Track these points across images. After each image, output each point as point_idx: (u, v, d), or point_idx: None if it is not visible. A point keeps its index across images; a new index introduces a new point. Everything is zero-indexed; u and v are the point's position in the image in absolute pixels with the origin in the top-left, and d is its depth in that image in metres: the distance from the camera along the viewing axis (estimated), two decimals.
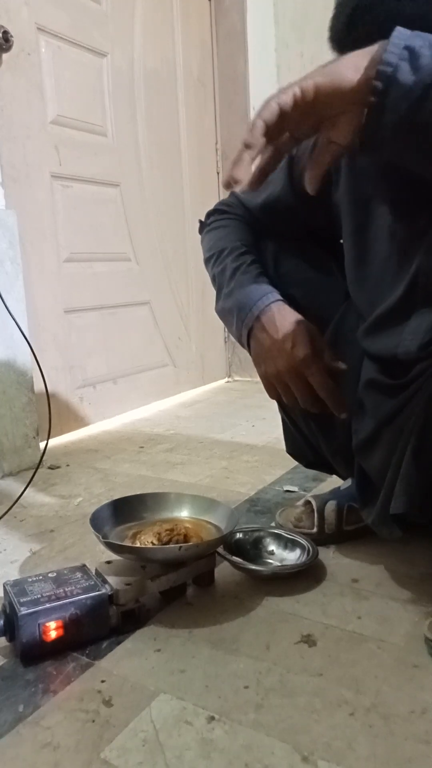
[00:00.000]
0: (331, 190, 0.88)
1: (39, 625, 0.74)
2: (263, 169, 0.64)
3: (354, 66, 0.56)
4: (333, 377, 0.85)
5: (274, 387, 0.89)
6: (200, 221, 1.06)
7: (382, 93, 0.55)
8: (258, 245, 0.98)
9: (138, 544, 0.87)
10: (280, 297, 0.89)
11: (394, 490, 0.79)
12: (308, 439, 1.04)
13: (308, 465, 1.12)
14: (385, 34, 0.55)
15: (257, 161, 0.61)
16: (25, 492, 1.27)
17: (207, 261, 1.01)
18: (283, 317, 0.87)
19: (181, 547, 0.83)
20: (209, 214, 1.05)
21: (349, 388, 0.90)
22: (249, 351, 0.92)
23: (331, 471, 1.10)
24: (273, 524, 1.08)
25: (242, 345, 0.93)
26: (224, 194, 2.50)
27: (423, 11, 0.60)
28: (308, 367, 0.84)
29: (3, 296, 1.39)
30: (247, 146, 0.59)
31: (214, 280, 0.98)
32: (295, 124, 0.60)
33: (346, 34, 0.65)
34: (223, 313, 0.96)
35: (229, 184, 0.60)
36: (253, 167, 0.61)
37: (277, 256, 0.97)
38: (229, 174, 0.59)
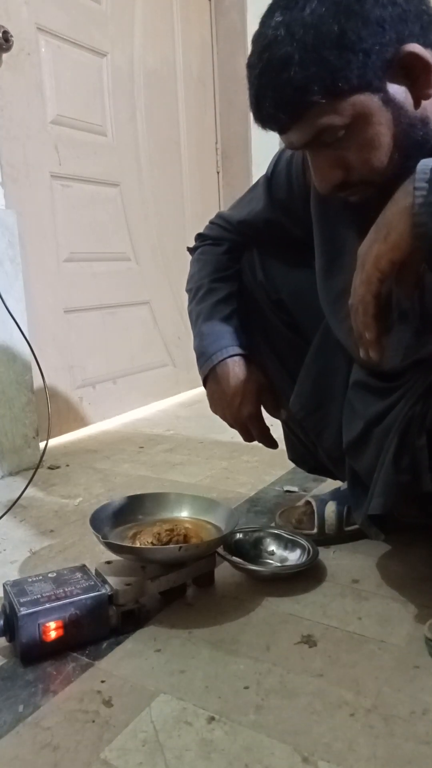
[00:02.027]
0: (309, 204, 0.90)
1: (39, 625, 0.74)
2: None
3: (396, 229, 0.63)
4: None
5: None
6: (188, 248, 1.12)
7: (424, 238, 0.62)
8: (245, 255, 1.03)
9: (138, 545, 0.87)
10: (235, 352, 0.98)
11: None
12: (308, 445, 1.05)
13: (310, 470, 1.14)
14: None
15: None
16: (25, 492, 1.27)
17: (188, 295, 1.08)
18: (236, 374, 0.97)
19: (181, 547, 0.83)
20: (196, 238, 1.10)
21: (339, 390, 0.96)
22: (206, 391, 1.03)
23: (333, 476, 1.10)
24: (273, 524, 1.08)
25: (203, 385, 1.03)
26: (224, 195, 2.52)
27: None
28: (251, 422, 0.99)
29: (3, 296, 1.39)
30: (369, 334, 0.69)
31: (189, 317, 1.07)
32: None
33: (256, 110, 0.70)
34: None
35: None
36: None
37: (264, 263, 1.01)
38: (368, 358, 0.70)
